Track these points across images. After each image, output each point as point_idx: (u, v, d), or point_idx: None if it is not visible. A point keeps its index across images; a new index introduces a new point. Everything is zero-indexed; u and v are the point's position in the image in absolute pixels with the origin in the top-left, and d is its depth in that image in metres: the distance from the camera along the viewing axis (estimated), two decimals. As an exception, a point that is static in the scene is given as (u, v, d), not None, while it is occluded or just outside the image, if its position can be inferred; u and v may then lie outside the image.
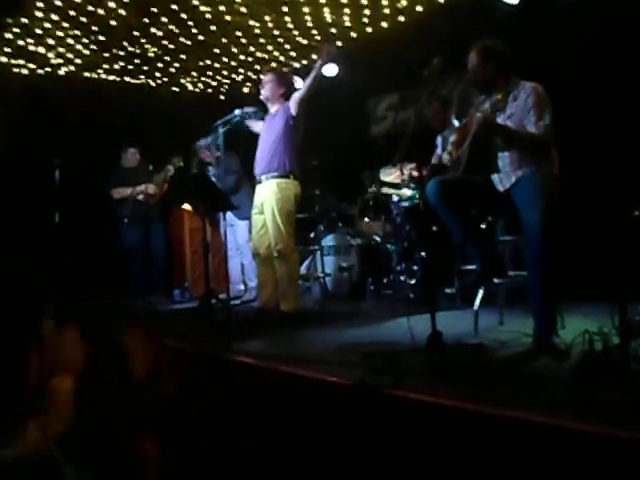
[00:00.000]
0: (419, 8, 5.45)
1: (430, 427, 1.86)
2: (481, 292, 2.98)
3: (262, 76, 4.04)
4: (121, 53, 5.98)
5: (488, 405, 1.71)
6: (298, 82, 5.11)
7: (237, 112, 4.04)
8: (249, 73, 6.89)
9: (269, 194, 3.72)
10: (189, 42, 5.89)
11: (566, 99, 3.62)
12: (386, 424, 1.91)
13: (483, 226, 3.02)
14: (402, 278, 4.67)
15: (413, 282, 4.57)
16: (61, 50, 5.75)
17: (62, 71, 6.18)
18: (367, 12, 5.51)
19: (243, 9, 5.32)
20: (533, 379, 2.07)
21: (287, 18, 5.57)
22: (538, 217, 2.46)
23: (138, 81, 6.76)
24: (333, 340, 3.04)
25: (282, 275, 3.69)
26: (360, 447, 1.96)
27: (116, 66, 6.28)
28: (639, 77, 4.12)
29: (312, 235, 5.12)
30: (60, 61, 5.98)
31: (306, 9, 5.40)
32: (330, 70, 6.31)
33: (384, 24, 5.77)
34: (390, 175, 4.78)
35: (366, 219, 5.30)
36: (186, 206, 5.89)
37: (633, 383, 1.89)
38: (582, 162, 3.79)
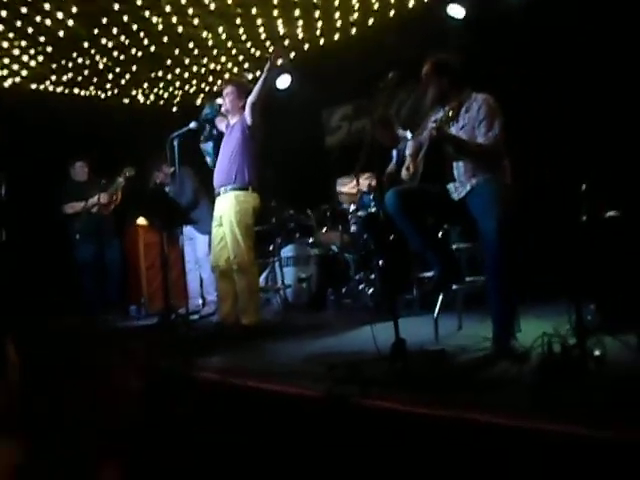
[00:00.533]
0: (370, 21, 5.55)
1: (397, 434, 1.88)
2: (440, 298, 3.04)
3: (224, 88, 3.99)
4: (70, 64, 5.83)
5: (452, 410, 1.74)
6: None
7: (207, 111, 4.01)
8: (202, 85, 6.84)
9: (228, 207, 3.69)
10: (140, 53, 5.80)
11: (517, 108, 3.77)
12: (354, 434, 1.91)
13: (440, 234, 3.08)
14: (361, 287, 4.71)
15: (372, 291, 4.62)
16: (6, 62, 5.57)
17: (8, 83, 5.97)
18: (320, 24, 5.58)
19: (196, 21, 5.29)
20: (495, 383, 2.12)
21: (240, 30, 5.57)
22: (494, 224, 2.54)
23: (87, 92, 6.61)
24: (296, 352, 3.03)
25: (242, 288, 3.66)
26: (330, 458, 1.96)
27: (64, 77, 6.12)
28: (586, 85, 4.33)
29: (270, 247, 5.10)
30: (5, 73, 5.78)
31: (259, 21, 5.42)
32: (284, 81, 6.36)
33: (336, 36, 5.85)
34: (346, 185, 4.83)
35: (324, 229, 5.33)
36: (141, 221, 5.78)
37: (592, 382, 1.97)
38: (535, 169, 3.94)
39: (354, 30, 5.73)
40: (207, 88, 6.85)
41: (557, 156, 4.08)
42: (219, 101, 3.98)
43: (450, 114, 2.74)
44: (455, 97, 2.89)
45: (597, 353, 2.24)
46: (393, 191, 2.86)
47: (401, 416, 1.85)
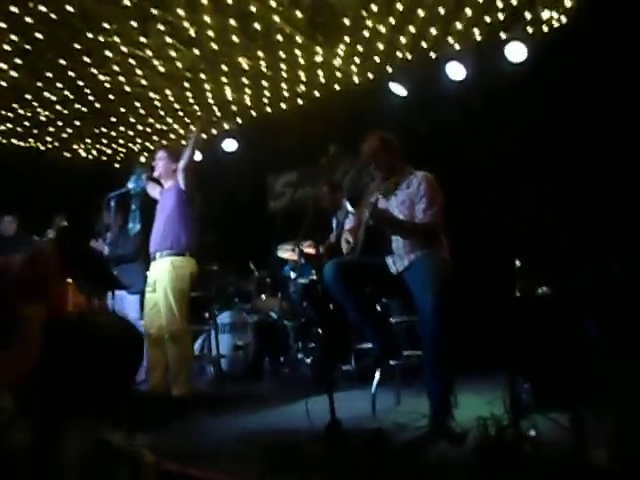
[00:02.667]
0: (317, 93, 5.72)
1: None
2: (378, 374, 2.98)
3: (155, 153, 3.96)
4: (10, 114, 5.66)
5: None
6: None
7: (130, 185, 3.92)
8: (147, 143, 6.79)
9: (163, 272, 3.56)
10: (85, 109, 5.72)
11: (456, 185, 3.91)
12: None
13: (378, 308, 3.06)
14: (300, 356, 4.60)
15: (310, 360, 4.51)
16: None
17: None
18: (267, 93, 5.69)
19: (143, 81, 5.29)
20: (432, 466, 2.05)
21: (188, 93, 5.60)
22: (431, 299, 2.54)
23: (26, 144, 6.41)
24: (228, 429, 2.87)
25: (173, 358, 3.48)
26: None
27: (3, 127, 5.93)
28: (515, 172, 4.58)
29: (207, 314, 4.92)
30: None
31: (207, 86, 5.48)
32: (230, 145, 6.40)
33: (283, 105, 5.98)
34: (287, 252, 4.80)
35: (263, 296, 5.23)
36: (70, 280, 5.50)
37: (527, 464, 1.93)
38: (471, 247, 4.06)
39: (300, 101, 5.87)
40: (152, 147, 6.79)
41: (493, 233, 4.24)
42: (143, 174, 3.94)
43: (388, 189, 2.80)
44: (397, 173, 2.96)
45: (532, 434, 2.24)
46: (332, 263, 2.84)
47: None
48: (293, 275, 4.78)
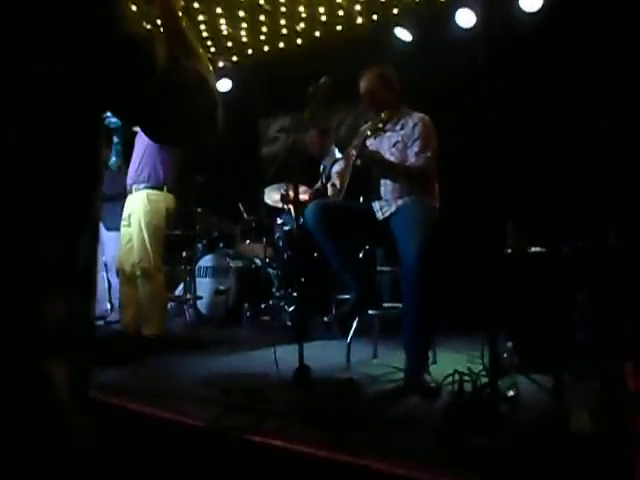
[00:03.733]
0: (317, 33, 5.42)
1: (283, 475, 1.65)
2: (355, 323, 2.84)
3: None
4: None
5: (344, 453, 1.54)
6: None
7: (111, 118, 3.69)
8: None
9: (138, 205, 3.38)
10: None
11: (454, 133, 3.69)
12: (230, 473, 1.67)
13: (360, 255, 2.90)
14: (281, 304, 4.47)
15: (292, 309, 4.39)
16: None
17: None
18: (264, 29, 5.38)
19: (134, 7, 4.97)
20: (400, 421, 1.93)
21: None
22: (416, 248, 2.38)
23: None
24: (195, 371, 2.75)
25: (145, 295, 3.34)
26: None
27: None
28: (523, 111, 4.34)
29: (184, 254, 4.74)
30: None
31: (201, 17, 5.16)
32: (223, 85, 6.10)
33: (281, 44, 5.67)
34: (272, 197, 4.62)
35: (247, 241, 5.07)
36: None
37: (502, 424, 1.81)
38: (462, 195, 3.87)
39: (299, 40, 5.56)
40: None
41: (488, 185, 4.03)
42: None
43: (380, 124, 2.59)
44: (392, 111, 2.76)
45: (510, 394, 2.12)
46: (314, 204, 2.67)
47: (288, 456, 1.62)
48: (279, 221, 4.60)
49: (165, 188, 3.44)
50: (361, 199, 2.91)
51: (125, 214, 3.50)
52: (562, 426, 1.83)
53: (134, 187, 3.46)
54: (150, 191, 3.40)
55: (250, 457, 1.70)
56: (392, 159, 2.69)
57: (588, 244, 3.44)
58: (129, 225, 3.44)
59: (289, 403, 2.00)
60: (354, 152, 2.65)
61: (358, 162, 2.60)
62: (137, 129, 3.70)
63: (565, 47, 4.26)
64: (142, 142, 3.50)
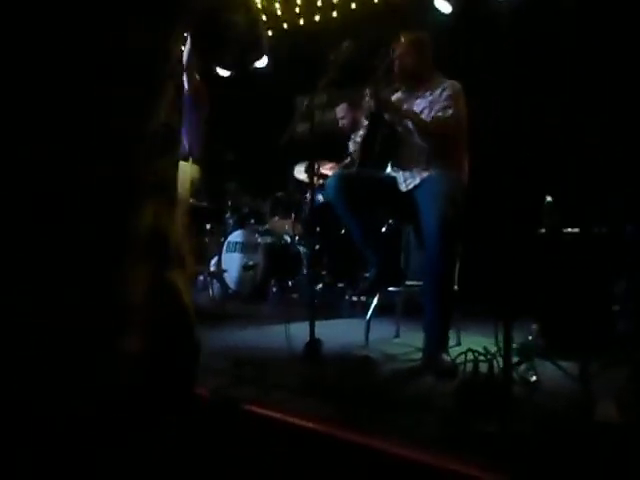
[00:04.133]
0: (353, 5, 5.26)
1: (285, 448, 1.60)
2: (376, 300, 2.74)
3: None
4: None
5: (344, 430, 1.46)
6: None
7: None
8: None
9: (162, 176, 3.36)
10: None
11: (487, 104, 3.52)
12: (233, 443, 1.62)
13: (383, 229, 2.80)
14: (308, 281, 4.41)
15: (320, 287, 4.34)
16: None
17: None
18: (299, 2, 5.26)
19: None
20: (410, 401, 1.84)
21: None
22: (438, 221, 2.26)
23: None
24: (212, 343, 2.72)
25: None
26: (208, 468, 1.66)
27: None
28: (559, 91, 4.10)
29: (207, 226, 4.72)
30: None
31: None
32: (261, 61, 6.03)
33: (317, 17, 5.54)
34: (302, 172, 4.54)
35: (276, 217, 5.02)
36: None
37: (516, 411, 1.70)
38: (497, 174, 3.68)
39: (335, 13, 5.42)
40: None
41: (523, 163, 3.83)
42: None
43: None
44: (425, 79, 2.64)
45: (533, 378, 2.00)
46: (335, 176, 2.58)
47: (288, 429, 1.57)
48: (308, 197, 4.52)
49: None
50: (387, 170, 2.80)
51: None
52: (586, 415, 1.71)
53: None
54: (175, 162, 3.37)
55: (250, 428, 1.66)
56: None
57: (633, 228, 3.23)
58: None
59: (296, 377, 1.95)
60: (369, 100, 2.54)
61: (374, 108, 2.49)
62: None
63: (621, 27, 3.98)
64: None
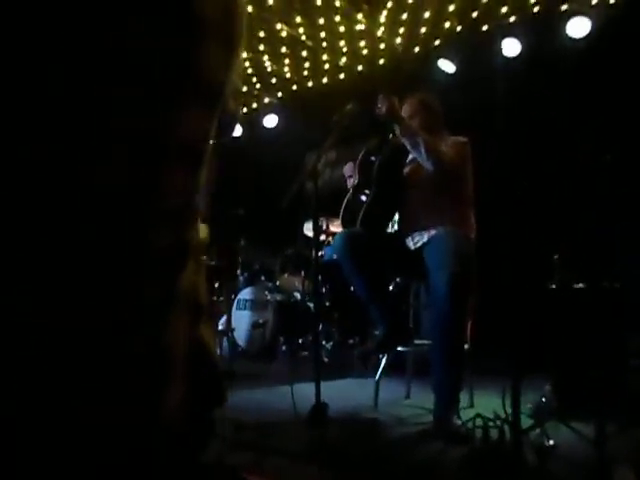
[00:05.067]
0: (359, 67, 5.42)
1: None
2: (385, 360, 2.68)
3: None
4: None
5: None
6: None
7: None
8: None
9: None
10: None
11: (495, 161, 3.56)
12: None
13: (391, 287, 2.78)
14: (320, 340, 4.35)
15: (330, 345, 4.28)
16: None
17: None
18: (307, 65, 5.44)
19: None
20: (417, 469, 1.77)
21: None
22: (446, 277, 2.23)
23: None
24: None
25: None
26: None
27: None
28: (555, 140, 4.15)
29: (216, 285, 4.73)
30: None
31: (245, 54, 5.28)
32: (270, 121, 6.18)
33: (324, 80, 5.70)
34: (311, 230, 4.56)
35: (286, 274, 5.01)
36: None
37: (529, 476, 1.63)
38: (506, 231, 3.68)
39: (342, 75, 5.58)
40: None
41: (534, 218, 3.83)
42: None
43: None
44: (433, 135, 2.69)
45: (550, 443, 1.92)
46: (342, 233, 2.59)
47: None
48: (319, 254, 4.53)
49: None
50: (394, 228, 2.81)
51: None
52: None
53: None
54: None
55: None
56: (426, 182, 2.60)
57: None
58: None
59: (299, 442, 1.89)
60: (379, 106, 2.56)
61: (382, 110, 2.49)
62: None
63: (613, 72, 4.06)
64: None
